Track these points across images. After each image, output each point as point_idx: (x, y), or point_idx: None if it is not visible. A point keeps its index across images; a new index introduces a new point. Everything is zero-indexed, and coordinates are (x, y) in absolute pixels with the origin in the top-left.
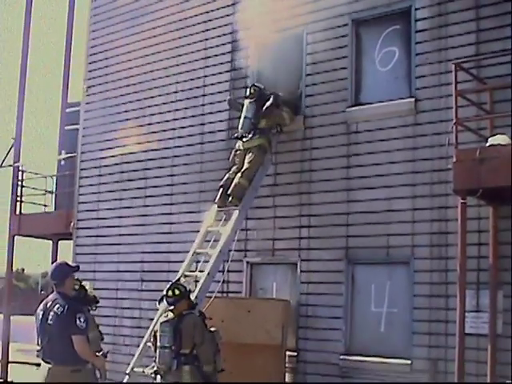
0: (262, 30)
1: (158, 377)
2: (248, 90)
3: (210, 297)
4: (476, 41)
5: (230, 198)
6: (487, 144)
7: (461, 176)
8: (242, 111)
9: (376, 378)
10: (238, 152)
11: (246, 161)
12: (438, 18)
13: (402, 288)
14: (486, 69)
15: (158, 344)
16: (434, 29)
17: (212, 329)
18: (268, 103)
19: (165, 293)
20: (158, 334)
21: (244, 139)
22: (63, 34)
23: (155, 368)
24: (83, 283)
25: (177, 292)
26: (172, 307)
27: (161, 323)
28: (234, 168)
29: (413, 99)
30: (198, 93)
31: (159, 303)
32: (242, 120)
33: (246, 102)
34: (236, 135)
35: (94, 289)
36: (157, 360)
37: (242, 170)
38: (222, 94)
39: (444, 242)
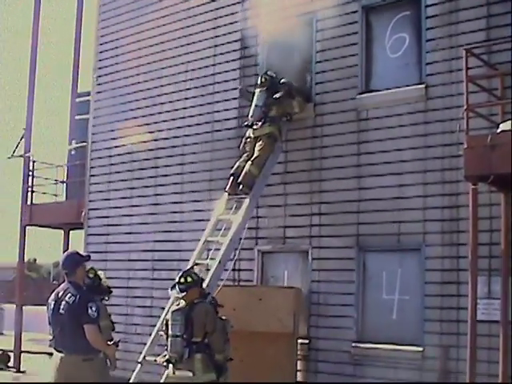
0: (271, 17)
1: (170, 365)
2: (260, 78)
3: (222, 285)
4: (486, 26)
5: (241, 186)
6: (498, 130)
7: (472, 162)
8: (252, 100)
9: (388, 365)
10: (248, 140)
11: (257, 149)
12: (448, 4)
13: (413, 275)
14: (496, 54)
15: (170, 332)
16: (445, 14)
17: (223, 317)
18: (280, 93)
19: (177, 280)
20: (169, 323)
21: (254, 127)
22: (73, 24)
23: (167, 357)
24: (98, 272)
25: (189, 279)
26: (183, 294)
27: (172, 312)
28: (245, 156)
29: (423, 85)
30: (208, 81)
31: (171, 290)
32: (252, 108)
33: (257, 90)
34: (246, 123)
35: (106, 278)
36: (168, 349)
37: (253, 158)
38: (232, 83)
39: (455, 229)
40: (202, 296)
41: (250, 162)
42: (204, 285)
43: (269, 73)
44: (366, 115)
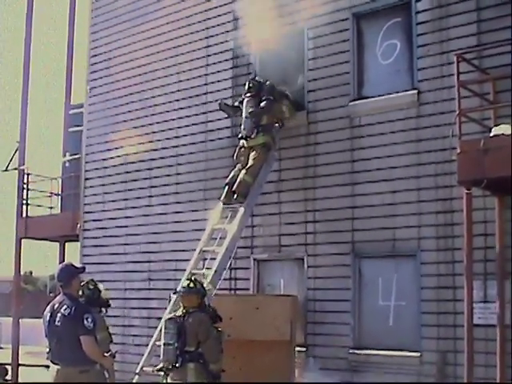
0: (263, 26)
1: (162, 373)
2: (247, 83)
3: (218, 294)
4: (477, 31)
5: (236, 196)
6: (491, 134)
7: (465, 167)
8: (241, 110)
9: (385, 371)
10: (242, 149)
11: (251, 158)
12: (438, 10)
13: (409, 281)
14: (487, 59)
15: (162, 341)
16: (435, 20)
17: (219, 328)
18: (265, 102)
19: (181, 283)
20: (162, 331)
21: (248, 139)
22: (65, 36)
23: (160, 365)
24: (98, 285)
25: (191, 285)
26: (182, 298)
27: (165, 320)
28: (239, 165)
29: (415, 91)
30: (201, 91)
31: (173, 294)
32: (243, 120)
33: (245, 100)
34: (240, 135)
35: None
36: (161, 357)
37: (247, 167)
38: (225, 92)
39: (450, 234)
40: (199, 307)
41: (244, 171)
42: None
43: (256, 78)
44: (359, 122)
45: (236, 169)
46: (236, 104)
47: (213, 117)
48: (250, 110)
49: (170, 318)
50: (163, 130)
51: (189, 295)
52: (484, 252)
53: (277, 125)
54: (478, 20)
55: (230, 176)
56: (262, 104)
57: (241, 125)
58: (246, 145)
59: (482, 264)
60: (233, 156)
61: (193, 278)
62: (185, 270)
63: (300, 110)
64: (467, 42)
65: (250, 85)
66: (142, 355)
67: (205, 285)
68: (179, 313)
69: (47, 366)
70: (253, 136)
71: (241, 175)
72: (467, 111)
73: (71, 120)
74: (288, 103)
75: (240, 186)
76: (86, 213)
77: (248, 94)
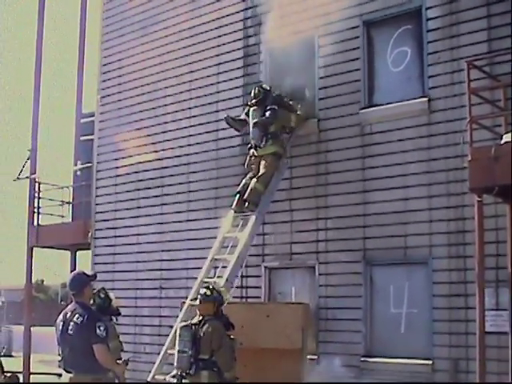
0: (274, 34)
1: (175, 380)
2: (253, 90)
3: (229, 302)
4: (488, 38)
5: (247, 204)
6: (502, 141)
7: (476, 174)
8: (248, 121)
9: (397, 379)
10: (252, 158)
11: (261, 166)
12: (449, 17)
13: (420, 288)
14: (498, 66)
15: (177, 348)
16: (446, 27)
17: (231, 336)
18: (268, 109)
19: (192, 291)
20: (177, 338)
21: (258, 148)
22: (76, 45)
23: (174, 372)
24: (109, 294)
25: (208, 292)
26: (198, 306)
27: (180, 327)
28: (250, 174)
29: (426, 99)
30: (212, 99)
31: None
32: (251, 130)
33: (251, 108)
34: (250, 145)
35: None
36: (175, 364)
37: (258, 176)
38: (236, 100)
39: (462, 241)
40: (215, 315)
41: (255, 180)
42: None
43: (263, 86)
44: (370, 130)
45: (247, 177)
46: (242, 117)
47: (224, 125)
48: (255, 120)
49: (184, 326)
50: (175, 138)
51: (205, 303)
52: (496, 259)
53: (285, 133)
54: (489, 27)
55: (242, 184)
56: (267, 114)
57: (249, 133)
58: (256, 154)
59: (494, 271)
60: (243, 164)
61: (210, 286)
62: (196, 278)
63: (310, 118)
64: (478, 48)
65: (256, 91)
66: (154, 363)
67: (224, 295)
68: (195, 320)
69: (59, 375)
70: (262, 145)
71: (252, 184)
72: (478, 118)
73: (83, 129)
74: (295, 111)
75: (251, 194)
76: (98, 221)
77: (254, 102)
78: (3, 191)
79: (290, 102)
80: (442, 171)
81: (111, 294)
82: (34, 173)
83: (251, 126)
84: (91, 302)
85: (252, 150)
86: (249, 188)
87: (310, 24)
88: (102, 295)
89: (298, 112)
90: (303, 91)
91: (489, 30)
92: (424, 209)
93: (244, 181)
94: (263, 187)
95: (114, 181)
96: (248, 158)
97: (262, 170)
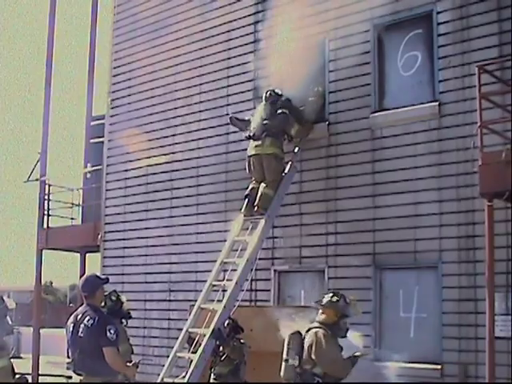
0: (284, 38)
1: None
2: (265, 93)
3: (239, 306)
4: (499, 42)
5: (256, 208)
6: None
7: (487, 179)
8: (254, 115)
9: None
10: (251, 159)
11: (267, 170)
12: (459, 21)
13: (430, 293)
14: (509, 70)
15: (284, 357)
16: (457, 32)
17: (241, 340)
18: (280, 112)
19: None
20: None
21: (256, 142)
22: (86, 47)
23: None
24: (121, 296)
25: (334, 298)
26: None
27: (289, 335)
28: (255, 177)
29: (437, 103)
30: (222, 102)
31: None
32: (256, 121)
33: (261, 104)
34: (248, 134)
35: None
36: (281, 374)
37: (266, 181)
38: (246, 103)
39: (472, 246)
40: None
41: (263, 185)
42: (220, 306)
43: (276, 90)
44: (380, 134)
45: (253, 180)
46: (247, 118)
47: (234, 128)
48: (266, 122)
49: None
50: (185, 141)
51: (328, 308)
52: (506, 264)
53: (285, 137)
54: (500, 31)
55: (250, 188)
56: (279, 117)
57: (250, 122)
58: (253, 152)
59: (504, 276)
60: (245, 169)
61: (337, 292)
62: (205, 281)
63: (319, 122)
64: (489, 53)
65: (267, 94)
66: (163, 366)
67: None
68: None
69: (68, 377)
70: (260, 140)
71: (261, 189)
72: (489, 123)
73: (93, 131)
74: (300, 124)
75: (261, 199)
76: (107, 224)
77: (263, 103)
78: (13, 193)
79: (301, 109)
80: (452, 176)
81: (123, 297)
82: (44, 175)
83: (257, 119)
84: (102, 304)
85: (250, 149)
86: (258, 194)
87: (321, 28)
88: (114, 298)
89: (305, 120)
90: (313, 95)
91: (500, 34)
92: (434, 213)
93: (251, 185)
94: (273, 192)
95: (124, 183)
96: (247, 162)
97: (269, 176)
